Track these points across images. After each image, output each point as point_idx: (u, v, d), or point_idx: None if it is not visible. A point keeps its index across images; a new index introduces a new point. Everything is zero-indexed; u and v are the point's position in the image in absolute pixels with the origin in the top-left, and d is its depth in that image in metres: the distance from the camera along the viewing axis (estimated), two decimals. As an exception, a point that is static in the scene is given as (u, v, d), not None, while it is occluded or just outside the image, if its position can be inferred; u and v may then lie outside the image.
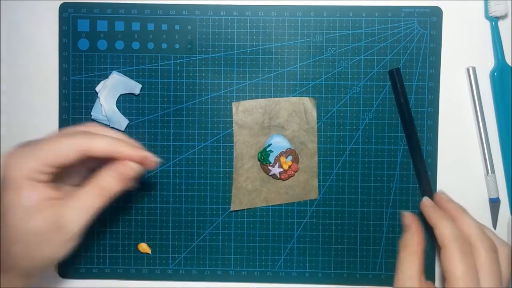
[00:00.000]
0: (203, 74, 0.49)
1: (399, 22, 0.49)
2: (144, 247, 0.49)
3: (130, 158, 0.39)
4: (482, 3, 0.49)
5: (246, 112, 0.49)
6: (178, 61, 0.49)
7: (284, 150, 0.49)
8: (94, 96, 0.49)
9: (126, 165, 0.39)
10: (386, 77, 0.49)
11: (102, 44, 0.49)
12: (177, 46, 0.49)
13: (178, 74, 0.49)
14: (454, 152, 0.49)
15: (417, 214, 0.49)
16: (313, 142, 0.49)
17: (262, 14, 0.49)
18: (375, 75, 0.49)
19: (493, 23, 0.48)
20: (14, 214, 0.35)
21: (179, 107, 0.49)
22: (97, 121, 0.49)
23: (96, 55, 0.49)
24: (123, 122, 0.49)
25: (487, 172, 0.48)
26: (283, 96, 0.49)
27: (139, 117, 0.49)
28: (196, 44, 0.49)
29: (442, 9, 0.49)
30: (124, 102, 0.49)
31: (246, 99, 0.49)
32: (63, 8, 0.49)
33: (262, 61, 0.49)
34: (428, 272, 0.49)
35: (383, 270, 0.49)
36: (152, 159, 0.40)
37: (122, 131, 0.49)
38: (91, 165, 0.41)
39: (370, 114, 0.49)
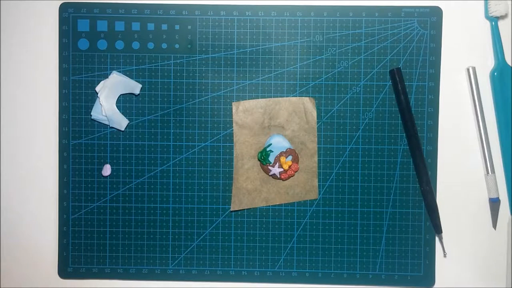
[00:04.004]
0: (203, 74, 0.49)
1: (399, 22, 0.49)
2: None
3: None
4: (482, 3, 0.49)
5: (246, 112, 0.49)
6: (178, 61, 0.49)
7: (284, 150, 0.49)
8: (94, 96, 0.49)
9: None
10: (386, 77, 0.49)
11: (102, 44, 0.49)
12: (177, 46, 0.49)
13: (178, 74, 0.49)
14: (454, 152, 0.49)
15: (417, 213, 0.49)
16: (313, 142, 0.49)
17: (262, 14, 0.49)
18: (375, 75, 0.49)
19: (493, 23, 0.48)
20: None
21: (179, 107, 0.49)
22: (97, 121, 0.49)
23: (96, 55, 0.49)
24: (123, 122, 0.49)
25: (487, 172, 0.48)
26: (283, 96, 0.49)
27: (139, 117, 0.49)
28: (196, 44, 0.49)
29: (442, 9, 0.49)
30: (124, 102, 0.49)
31: (246, 99, 0.49)
32: (63, 8, 0.49)
33: (262, 61, 0.49)
34: (428, 270, 0.49)
35: (383, 270, 0.49)
36: None
37: (122, 131, 0.49)
38: None
39: (370, 114, 0.49)
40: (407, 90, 0.48)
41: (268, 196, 0.49)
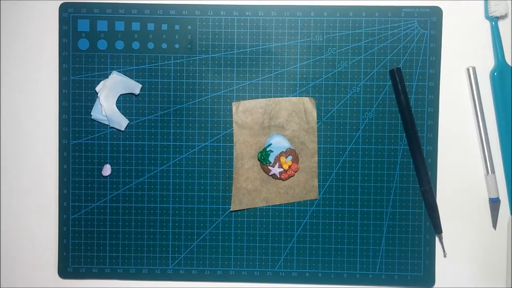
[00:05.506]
0: (203, 74, 0.49)
1: (399, 22, 0.49)
2: None
3: None
4: (482, 3, 0.49)
5: (246, 112, 0.49)
6: (178, 61, 0.49)
7: (284, 150, 0.49)
8: (94, 96, 0.49)
9: None
10: (386, 77, 0.49)
11: (102, 44, 0.49)
12: (177, 46, 0.49)
13: (178, 74, 0.49)
14: (454, 152, 0.49)
15: (417, 213, 0.49)
16: (313, 142, 0.49)
17: (262, 14, 0.49)
18: (375, 75, 0.49)
19: (493, 23, 0.48)
20: None
21: (179, 107, 0.49)
22: (97, 121, 0.49)
23: (96, 55, 0.49)
24: (123, 122, 0.49)
25: (487, 172, 0.48)
26: (283, 96, 0.49)
27: (139, 117, 0.49)
28: (196, 44, 0.49)
29: (442, 9, 0.49)
30: (124, 102, 0.49)
31: (246, 99, 0.49)
32: (63, 8, 0.49)
33: (262, 61, 0.49)
34: (428, 270, 0.49)
35: (383, 270, 0.49)
36: None
37: (122, 131, 0.49)
38: None
39: (370, 114, 0.49)
40: (407, 90, 0.48)
41: (268, 196, 0.49)
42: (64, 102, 0.49)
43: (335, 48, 0.49)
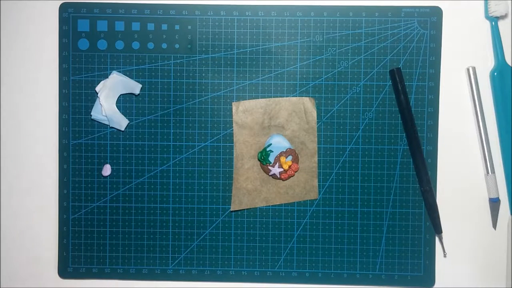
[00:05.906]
0: (203, 74, 0.49)
1: (399, 22, 0.49)
2: None
3: None
4: (482, 3, 0.49)
5: (246, 112, 0.49)
6: (178, 61, 0.49)
7: (284, 150, 0.49)
8: (94, 96, 0.49)
9: None
10: (386, 77, 0.49)
11: (102, 44, 0.49)
12: (177, 46, 0.49)
13: (178, 74, 0.49)
14: (454, 152, 0.49)
15: (417, 213, 0.49)
16: (313, 142, 0.49)
17: (262, 14, 0.49)
18: (375, 75, 0.49)
19: (493, 23, 0.48)
20: None
21: (179, 107, 0.49)
22: (97, 121, 0.49)
23: (96, 55, 0.49)
24: (123, 122, 0.49)
25: (487, 172, 0.48)
26: (283, 96, 0.49)
27: (139, 117, 0.49)
28: (196, 44, 0.49)
29: (442, 9, 0.49)
30: (124, 102, 0.49)
31: (246, 99, 0.49)
32: (63, 8, 0.49)
33: (262, 61, 0.49)
34: (428, 270, 0.49)
35: (383, 270, 0.49)
36: None
37: (122, 131, 0.49)
38: None
39: (370, 114, 0.49)
40: (407, 90, 0.48)
41: (268, 196, 0.49)
42: (64, 102, 0.49)
43: (335, 48, 0.49)
